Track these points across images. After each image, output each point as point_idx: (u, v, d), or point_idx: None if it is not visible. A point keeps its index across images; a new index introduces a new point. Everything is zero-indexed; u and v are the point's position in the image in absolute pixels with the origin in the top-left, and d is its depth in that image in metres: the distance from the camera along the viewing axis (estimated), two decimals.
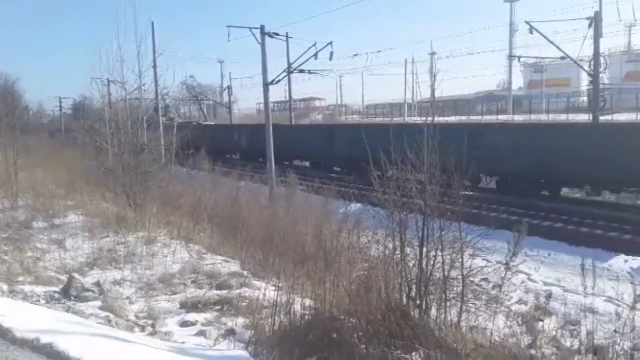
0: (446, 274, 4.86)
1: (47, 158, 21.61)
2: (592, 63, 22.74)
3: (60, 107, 65.58)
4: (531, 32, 23.85)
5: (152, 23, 20.09)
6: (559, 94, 52.64)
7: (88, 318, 5.21)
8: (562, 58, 25.45)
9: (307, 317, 4.98)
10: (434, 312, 4.82)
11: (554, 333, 5.12)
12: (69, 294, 5.93)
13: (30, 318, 4.53)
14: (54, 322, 4.48)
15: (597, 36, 22.35)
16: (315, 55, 21.97)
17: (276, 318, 4.92)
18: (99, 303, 5.78)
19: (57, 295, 5.92)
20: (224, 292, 6.22)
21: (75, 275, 6.35)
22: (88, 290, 6.04)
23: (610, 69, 41.09)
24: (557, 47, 24.42)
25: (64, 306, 5.57)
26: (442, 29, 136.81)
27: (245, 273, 7.08)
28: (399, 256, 5.08)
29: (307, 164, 31.47)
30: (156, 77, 21.46)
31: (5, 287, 5.94)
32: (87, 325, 4.83)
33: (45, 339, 3.74)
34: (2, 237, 8.77)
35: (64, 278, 6.52)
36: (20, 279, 6.52)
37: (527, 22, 24.02)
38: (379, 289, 4.95)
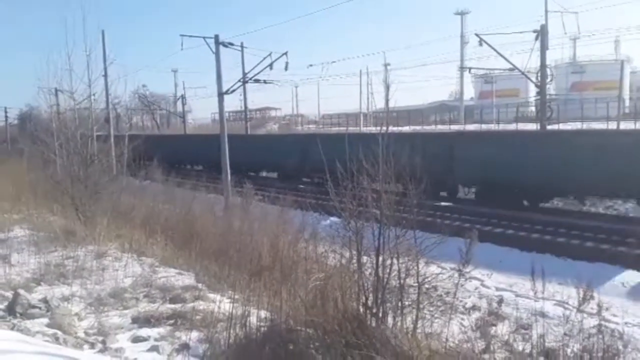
0: (402, 281, 4.90)
1: None
2: (539, 74, 23.59)
3: (6, 117, 63.55)
4: (481, 44, 24.59)
5: (102, 31, 19.73)
6: (508, 104, 54.27)
7: (34, 336, 5.00)
8: (511, 69, 26.31)
9: (263, 328, 4.92)
10: (390, 320, 4.83)
11: (507, 337, 5.21)
12: (14, 311, 5.67)
13: None
14: None
15: (544, 48, 23.23)
16: (271, 65, 21.99)
17: (231, 331, 4.84)
18: (46, 320, 5.54)
19: (1, 313, 5.66)
20: (177, 306, 6.07)
21: (21, 291, 6.08)
22: (34, 306, 5.79)
23: (556, 80, 42.57)
24: (506, 59, 25.26)
25: (9, 324, 5.32)
26: (395, 41, 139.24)
27: (200, 285, 6.94)
28: (356, 265, 5.09)
29: None
30: (107, 86, 21.01)
31: None
32: (33, 343, 4.64)
33: None
34: None
35: (9, 294, 6.24)
36: None
37: (477, 35, 24.78)
38: (335, 298, 4.94)
